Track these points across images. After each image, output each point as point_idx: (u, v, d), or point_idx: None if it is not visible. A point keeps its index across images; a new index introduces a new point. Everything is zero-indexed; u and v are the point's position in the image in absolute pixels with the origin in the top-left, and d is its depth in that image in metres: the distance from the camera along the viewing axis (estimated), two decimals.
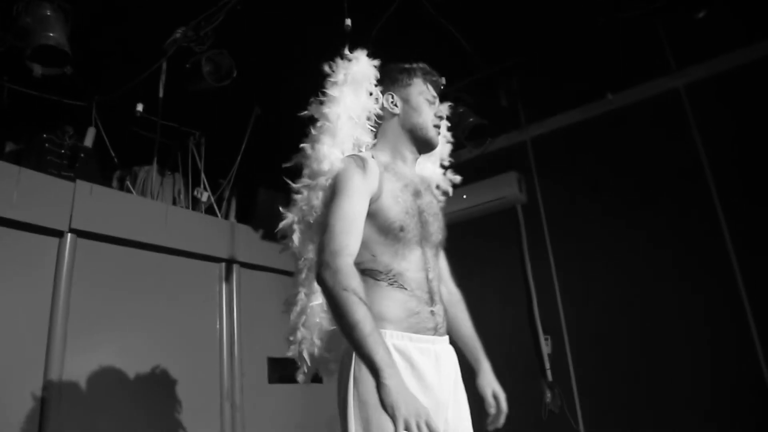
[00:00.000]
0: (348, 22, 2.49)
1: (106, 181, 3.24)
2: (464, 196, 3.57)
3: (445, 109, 1.71)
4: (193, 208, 3.59)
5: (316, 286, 1.54)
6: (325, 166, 1.49)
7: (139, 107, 3.01)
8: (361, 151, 1.56)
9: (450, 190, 1.80)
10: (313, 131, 1.56)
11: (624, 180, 3.16)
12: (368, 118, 1.59)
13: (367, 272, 1.40)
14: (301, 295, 1.57)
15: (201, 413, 2.98)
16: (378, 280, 1.41)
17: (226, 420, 3.08)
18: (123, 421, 2.64)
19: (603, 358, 3.04)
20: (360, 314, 1.21)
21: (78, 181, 2.76)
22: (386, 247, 1.43)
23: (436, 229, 1.55)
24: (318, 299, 1.59)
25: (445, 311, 1.53)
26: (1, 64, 2.76)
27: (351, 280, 1.26)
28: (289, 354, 1.61)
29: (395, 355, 1.29)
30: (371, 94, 1.61)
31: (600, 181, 3.24)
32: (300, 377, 1.62)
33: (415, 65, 1.64)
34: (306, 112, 1.59)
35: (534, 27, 3.02)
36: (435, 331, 1.45)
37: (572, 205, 3.34)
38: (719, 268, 2.76)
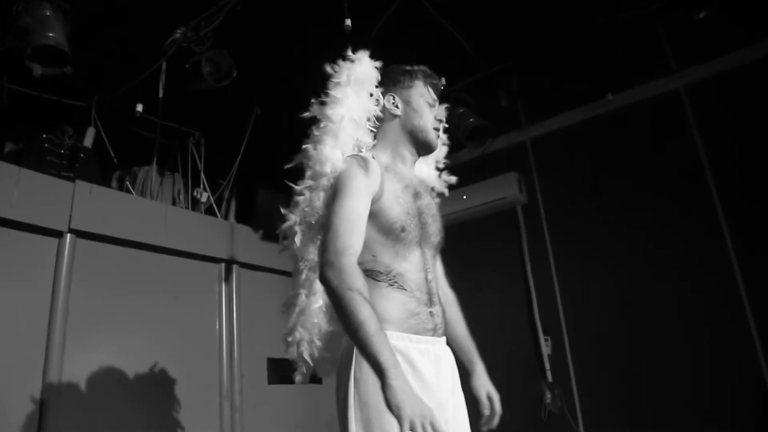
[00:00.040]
0: (348, 22, 2.49)
1: (105, 182, 3.24)
2: (464, 197, 3.57)
3: (443, 112, 1.71)
4: (193, 209, 3.59)
5: (316, 287, 1.54)
6: (328, 167, 1.49)
7: (139, 107, 3.00)
8: (361, 152, 1.56)
9: (446, 191, 1.81)
10: (315, 132, 1.56)
11: (624, 180, 3.16)
12: (368, 119, 1.60)
13: (368, 273, 1.40)
14: (302, 296, 1.57)
15: (200, 414, 2.97)
16: (378, 280, 1.41)
17: (226, 420, 3.07)
18: (122, 421, 2.64)
19: (603, 359, 3.04)
20: (365, 314, 1.21)
21: (77, 182, 2.76)
22: (387, 248, 1.44)
23: (435, 230, 1.56)
24: (318, 301, 1.59)
25: (444, 312, 1.54)
26: (0, 64, 2.75)
27: (356, 279, 1.26)
28: (288, 355, 1.61)
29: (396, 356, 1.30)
30: (371, 95, 1.61)
31: (600, 181, 3.25)
32: (298, 378, 1.61)
33: (416, 68, 1.65)
34: (308, 113, 1.59)
35: (534, 27, 3.02)
36: (434, 332, 1.46)
37: (572, 205, 3.34)
38: (719, 268, 2.76)
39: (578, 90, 3.34)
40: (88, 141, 3.14)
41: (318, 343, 1.55)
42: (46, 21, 2.40)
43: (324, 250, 1.33)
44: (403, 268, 1.44)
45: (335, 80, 1.59)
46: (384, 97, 1.62)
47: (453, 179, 1.82)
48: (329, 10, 2.52)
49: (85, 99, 3.21)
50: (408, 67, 1.65)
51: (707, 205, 2.85)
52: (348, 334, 1.26)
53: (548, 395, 3.15)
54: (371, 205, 1.42)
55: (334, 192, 1.42)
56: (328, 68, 1.61)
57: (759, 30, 2.78)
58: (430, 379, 1.38)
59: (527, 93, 3.57)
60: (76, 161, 2.87)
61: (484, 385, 1.63)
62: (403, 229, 1.44)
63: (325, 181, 1.49)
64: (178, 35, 2.76)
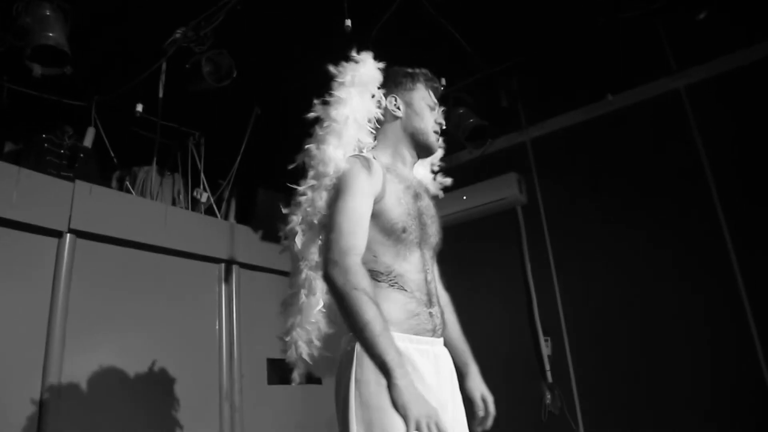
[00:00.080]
0: (348, 22, 2.50)
1: (105, 182, 3.24)
2: (464, 197, 3.57)
3: (442, 115, 1.73)
4: (193, 209, 3.58)
5: (315, 287, 1.53)
6: (331, 167, 1.49)
7: (139, 107, 3.00)
8: (362, 152, 1.56)
9: (440, 194, 1.81)
10: (319, 132, 1.55)
11: (624, 181, 3.16)
12: (369, 120, 1.60)
13: (369, 273, 1.40)
14: (301, 296, 1.56)
15: (200, 414, 2.97)
16: (379, 281, 1.41)
17: (226, 421, 3.07)
18: (122, 421, 2.64)
19: (603, 359, 3.04)
20: (371, 314, 1.22)
21: (77, 182, 2.75)
22: (388, 248, 1.44)
23: (434, 231, 1.57)
24: (319, 301, 1.58)
25: (443, 313, 1.55)
26: (0, 64, 2.75)
27: (362, 279, 1.27)
28: (285, 355, 1.60)
29: None
30: (373, 96, 1.62)
31: (600, 181, 3.25)
32: (295, 378, 1.61)
33: (418, 70, 1.67)
34: (313, 113, 1.58)
35: (534, 27, 3.02)
36: (433, 332, 1.47)
37: (572, 205, 3.34)
38: (719, 268, 2.76)
39: (578, 90, 3.34)
40: (88, 141, 3.14)
41: (316, 343, 1.54)
42: (46, 21, 2.40)
43: (328, 250, 1.33)
44: (404, 268, 1.45)
45: (339, 80, 1.59)
46: (386, 98, 1.62)
47: (448, 181, 1.82)
48: (329, 10, 2.52)
49: (85, 99, 3.21)
50: (410, 70, 1.67)
51: (707, 205, 2.85)
52: (353, 333, 1.27)
53: (548, 396, 3.15)
54: (373, 205, 1.42)
55: (337, 192, 1.43)
56: (332, 69, 1.61)
57: (759, 30, 2.79)
58: (430, 379, 1.38)
59: (527, 93, 3.57)
60: (76, 161, 2.87)
61: (478, 386, 1.65)
62: (404, 230, 1.45)
63: (327, 181, 1.48)
64: (178, 35, 2.76)
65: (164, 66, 2.92)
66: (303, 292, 1.52)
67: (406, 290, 1.43)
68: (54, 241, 2.64)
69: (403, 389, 1.13)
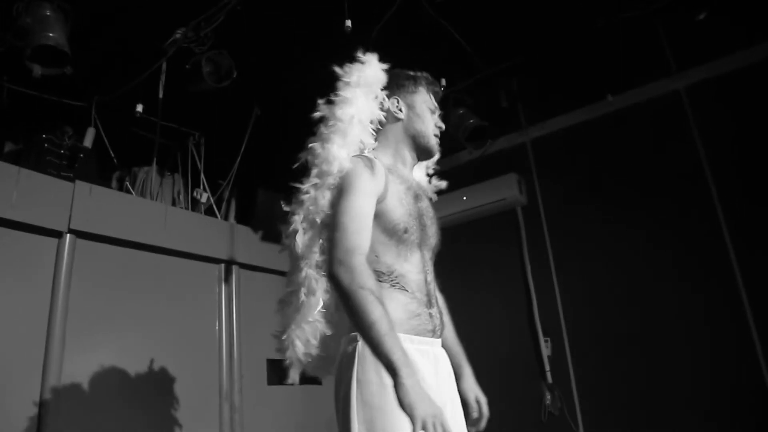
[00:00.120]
0: (348, 23, 2.50)
1: (105, 182, 3.23)
2: (464, 198, 3.57)
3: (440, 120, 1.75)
4: (193, 209, 3.58)
5: (314, 286, 1.52)
6: (335, 166, 1.49)
7: (139, 108, 3.00)
8: (363, 153, 1.57)
9: (434, 197, 1.82)
10: (323, 130, 1.56)
11: (624, 181, 3.16)
12: (372, 121, 1.60)
13: None
14: (300, 295, 1.55)
15: (200, 414, 2.97)
16: (380, 281, 1.41)
17: (225, 421, 3.07)
18: (122, 421, 2.63)
19: (603, 359, 3.04)
20: (377, 313, 1.22)
21: (77, 182, 2.75)
22: (389, 249, 1.45)
23: (433, 232, 1.58)
24: (318, 301, 1.57)
25: (441, 314, 1.55)
26: (0, 64, 2.75)
27: (368, 278, 1.27)
28: (280, 354, 1.59)
29: None
30: (376, 97, 1.62)
31: (600, 182, 3.25)
32: (291, 377, 1.60)
33: (419, 74, 1.69)
34: (317, 113, 1.59)
35: (534, 28, 3.02)
36: (433, 333, 1.47)
37: (572, 206, 3.34)
38: (719, 268, 2.76)
39: (578, 91, 3.34)
40: (88, 141, 3.14)
41: (313, 342, 1.53)
42: (46, 21, 2.40)
43: (333, 249, 1.33)
44: (405, 269, 1.46)
45: (345, 80, 1.60)
46: (388, 99, 1.63)
47: (443, 185, 1.83)
48: (329, 10, 2.52)
49: (85, 99, 3.21)
50: (412, 73, 1.69)
51: (707, 206, 2.85)
52: (359, 332, 1.27)
53: (548, 396, 3.15)
54: (376, 205, 1.43)
55: (341, 191, 1.43)
56: (338, 69, 1.61)
57: (759, 31, 2.79)
58: (430, 380, 1.38)
59: (527, 94, 3.57)
60: (75, 161, 2.87)
61: (472, 388, 1.66)
62: (406, 230, 1.46)
63: (331, 180, 1.48)
64: (178, 35, 2.76)
65: (164, 66, 2.92)
66: (302, 290, 1.51)
67: (407, 290, 1.44)
68: (54, 241, 2.64)
69: (410, 388, 1.14)
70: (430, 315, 1.47)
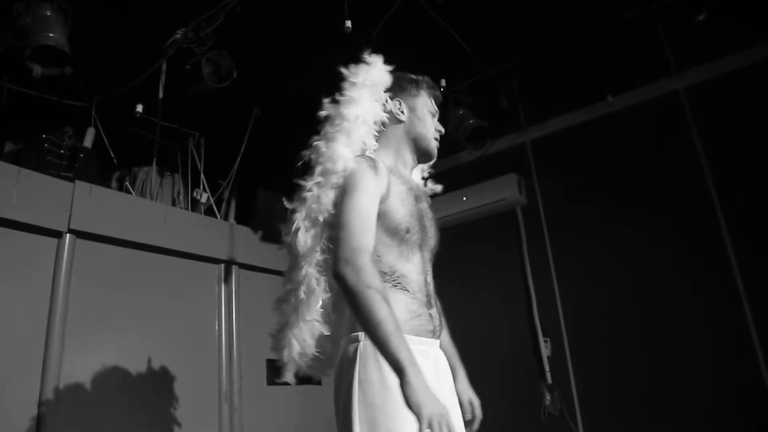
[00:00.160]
0: (348, 23, 2.50)
1: (105, 182, 3.23)
2: (464, 198, 3.58)
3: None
4: (193, 209, 3.58)
5: (315, 285, 1.51)
6: (339, 165, 1.49)
7: (139, 108, 3.00)
8: (365, 153, 1.57)
9: (428, 200, 1.82)
10: (328, 129, 1.55)
11: (624, 181, 3.16)
12: (375, 122, 1.61)
13: None
14: (300, 293, 1.54)
15: (200, 414, 2.97)
16: (382, 281, 1.41)
17: (225, 422, 3.07)
18: (122, 421, 2.63)
19: (603, 360, 3.04)
20: (384, 312, 1.22)
21: (77, 182, 2.75)
22: (391, 249, 1.46)
23: (433, 233, 1.60)
24: (318, 300, 1.56)
25: (440, 315, 1.56)
26: (0, 64, 2.75)
27: (374, 278, 1.28)
28: (276, 353, 1.58)
29: None
30: (379, 98, 1.63)
31: (600, 182, 3.25)
32: (288, 377, 1.59)
33: (421, 78, 1.72)
34: (323, 112, 1.59)
35: (534, 28, 3.03)
36: (433, 333, 1.48)
37: (572, 206, 3.34)
38: (719, 268, 2.76)
39: (578, 91, 3.34)
40: (88, 141, 3.14)
41: (310, 342, 1.51)
42: (46, 21, 2.40)
43: (339, 248, 1.33)
44: (406, 269, 1.47)
45: (352, 81, 1.60)
46: (391, 101, 1.64)
47: (438, 188, 1.83)
48: (329, 10, 2.53)
49: (85, 99, 3.21)
50: (414, 76, 1.71)
51: (707, 206, 2.85)
52: (365, 331, 1.28)
53: (548, 397, 3.14)
54: (378, 205, 1.44)
55: (345, 190, 1.43)
56: (344, 69, 1.62)
57: (759, 31, 2.79)
58: (431, 381, 1.37)
59: (527, 94, 3.57)
60: (75, 161, 2.87)
61: (465, 390, 1.67)
62: (407, 231, 1.47)
63: (335, 179, 1.48)
64: (178, 36, 2.77)
65: (164, 66, 2.92)
66: (302, 289, 1.49)
67: (408, 291, 1.44)
68: (54, 241, 2.64)
69: (417, 387, 1.14)
70: (430, 315, 1.48)
